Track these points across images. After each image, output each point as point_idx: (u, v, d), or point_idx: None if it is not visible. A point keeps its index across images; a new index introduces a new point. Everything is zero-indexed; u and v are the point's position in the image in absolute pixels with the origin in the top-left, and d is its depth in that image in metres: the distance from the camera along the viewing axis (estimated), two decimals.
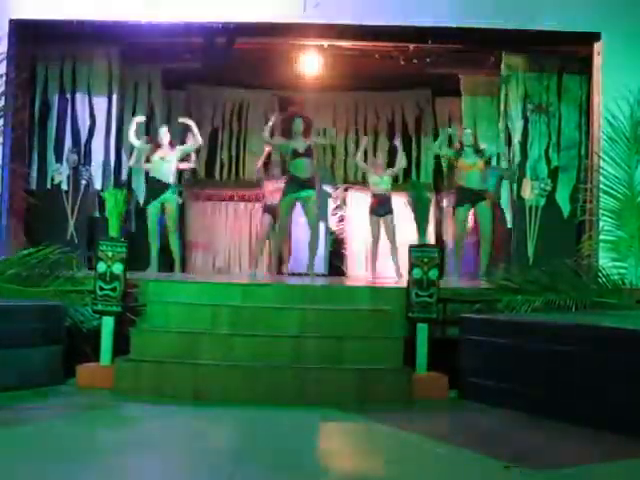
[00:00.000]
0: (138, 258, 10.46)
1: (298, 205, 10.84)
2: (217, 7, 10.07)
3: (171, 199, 10.89)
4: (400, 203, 11.75)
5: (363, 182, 14.06)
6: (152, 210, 11.01)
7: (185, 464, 5.10)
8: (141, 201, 12.35)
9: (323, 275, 12.71)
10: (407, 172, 13.77)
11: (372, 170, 11.83)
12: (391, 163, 12.93)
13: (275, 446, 5.59)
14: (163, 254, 11.33)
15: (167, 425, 6.24)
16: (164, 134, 11.22)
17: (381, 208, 11.58)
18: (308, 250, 11.08)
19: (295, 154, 10.45)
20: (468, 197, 11.11)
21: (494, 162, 11.74)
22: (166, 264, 11.54)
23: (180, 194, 11.15)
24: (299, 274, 12.12)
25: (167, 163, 10.96)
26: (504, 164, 11.45)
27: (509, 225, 11.30)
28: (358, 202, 13.90)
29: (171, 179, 10.95)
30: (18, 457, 5.05)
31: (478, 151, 11.28)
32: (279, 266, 12.18)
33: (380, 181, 11.60)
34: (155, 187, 11.07)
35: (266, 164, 12.67)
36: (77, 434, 5.81)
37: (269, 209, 11.95)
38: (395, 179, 12.27)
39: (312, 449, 5.70)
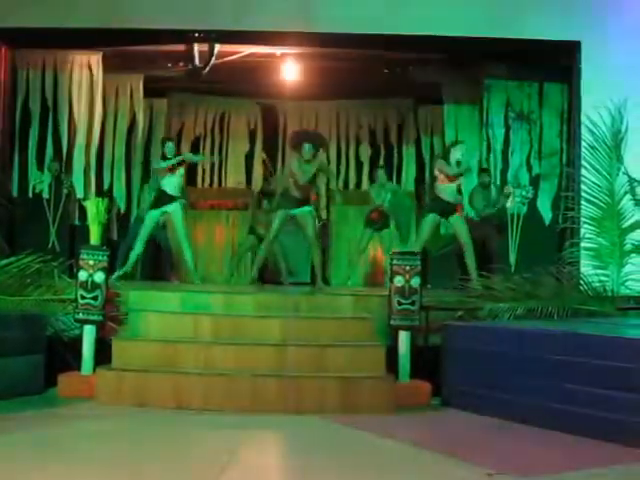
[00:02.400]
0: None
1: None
2: (198, 14, 10.05)
3: (176, 211, 10.60)
4: None
5: (345, 189, 14.11)
6: (150, 218, 10.73)
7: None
8: (122, 209, 12.31)
9: (306, 284, 12.70)
10: (389, 180, 13.78)
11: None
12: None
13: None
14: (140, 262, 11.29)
15: (143, 440, 6.17)
16: (172, 149, 10.95)
17: (377, 222, 11.67)
18: (312, 265, 11.18)
19: (294, 181, 10.33)
20: (440, 209, 10.48)
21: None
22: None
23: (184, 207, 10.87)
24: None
25: (175, 177, 10.69)
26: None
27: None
28: (339, 210, 13.90)
29: (179, 192, 10.69)
30: None
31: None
32: (265, 276, 12.14)
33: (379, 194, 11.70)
34: (161, 197, 10.78)
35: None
36: (48, 446, 5.75)
37: (253, 231, 12.10)
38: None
39: (291, 459, 5.67)
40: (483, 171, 11.48)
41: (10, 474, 4.88)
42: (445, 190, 10.30)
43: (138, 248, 10.52)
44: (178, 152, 11.45)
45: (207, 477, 4.94)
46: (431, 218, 10.40)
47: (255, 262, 10.98)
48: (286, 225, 10.56)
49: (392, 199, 11.56)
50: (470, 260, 10.08)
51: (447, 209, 10.28)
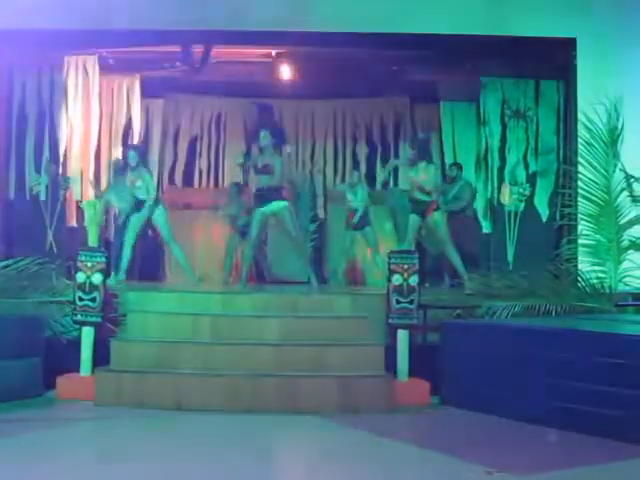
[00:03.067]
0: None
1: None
2: (195, 15, 10.04)
3: (156, 215, 10.55)
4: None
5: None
6: (135, 222, 10.67)
7: None
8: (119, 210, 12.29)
9: (303, 283, 12.68)
10: (386, 180, 13.81)
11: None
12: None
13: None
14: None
15: (142, 441, 6.15)
16: (132, 158, 10.61)
17: (357, 222, 11.68)
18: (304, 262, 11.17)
19: (255, 170, 10.39)
20: (417, 208, 10.49)
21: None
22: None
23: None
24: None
25: (141, 185, 10.57)
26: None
27: (488, 231, 11.30)
28: (336, 210, 13.88)
29: (150, 196, 10.58)
30: None
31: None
32: (251, 276, 12.12)
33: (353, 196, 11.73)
34: (136, 203, 10.70)
35: None
36: (47, 448, 5.75)
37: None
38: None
39: (291, 459, 5.68)
40: (454, 165, 11.74)
41: (10, 476, 4.89)
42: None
43: (127, 254, 10.44)
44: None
45: (208, 477, 4.95)
46: (412, 219, 10.44)
47: (243, 265, 10.97)
48: (265, 224, 10.62)
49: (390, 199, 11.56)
50: (455, 259, 10.06)
51: (423, 207, 10.32)
